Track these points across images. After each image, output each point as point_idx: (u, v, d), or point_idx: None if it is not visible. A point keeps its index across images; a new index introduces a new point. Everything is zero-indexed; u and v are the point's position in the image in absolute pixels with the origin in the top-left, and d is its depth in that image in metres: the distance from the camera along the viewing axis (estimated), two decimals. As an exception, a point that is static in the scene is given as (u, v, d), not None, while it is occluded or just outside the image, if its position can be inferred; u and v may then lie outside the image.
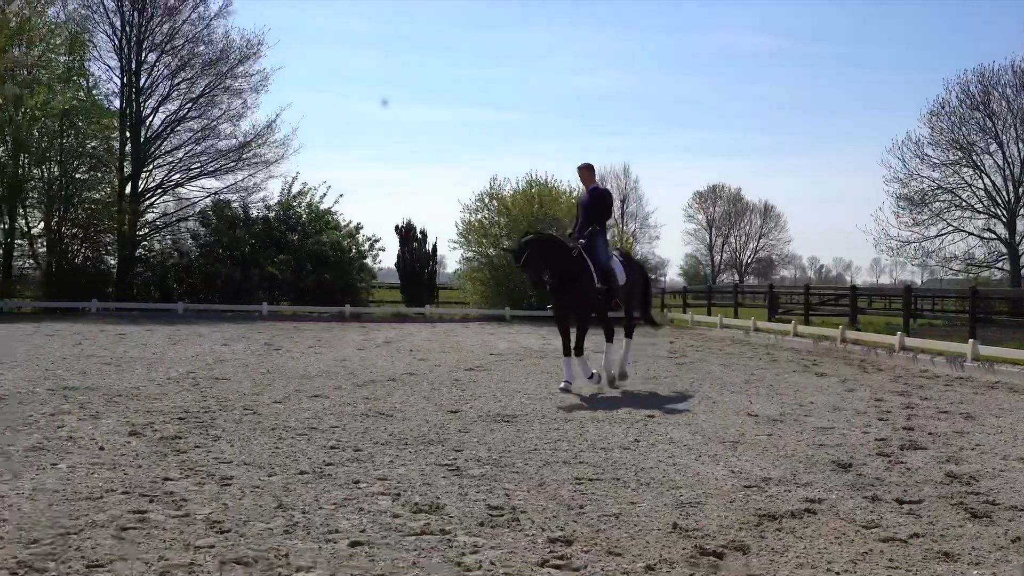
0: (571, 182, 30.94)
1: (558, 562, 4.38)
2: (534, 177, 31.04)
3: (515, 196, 30.71)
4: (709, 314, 30.48)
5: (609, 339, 11.81)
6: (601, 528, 4.99)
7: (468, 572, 4.22)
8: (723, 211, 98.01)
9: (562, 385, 11.04)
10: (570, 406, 9.77)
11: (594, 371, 11.37)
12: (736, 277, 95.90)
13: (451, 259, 68.16)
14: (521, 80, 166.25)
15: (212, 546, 4.50)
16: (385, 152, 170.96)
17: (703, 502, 5.61)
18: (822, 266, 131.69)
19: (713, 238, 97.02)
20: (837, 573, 4.32)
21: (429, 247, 33.20)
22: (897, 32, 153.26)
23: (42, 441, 7.08)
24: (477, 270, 30.79)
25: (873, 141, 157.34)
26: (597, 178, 11.98)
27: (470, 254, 31.42)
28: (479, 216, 31.13)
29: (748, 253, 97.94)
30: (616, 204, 78.23)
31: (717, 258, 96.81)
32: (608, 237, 12.59)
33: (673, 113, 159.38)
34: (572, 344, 11.17)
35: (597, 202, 11.56)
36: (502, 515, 5.20)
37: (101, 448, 6.88)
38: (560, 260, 10.92)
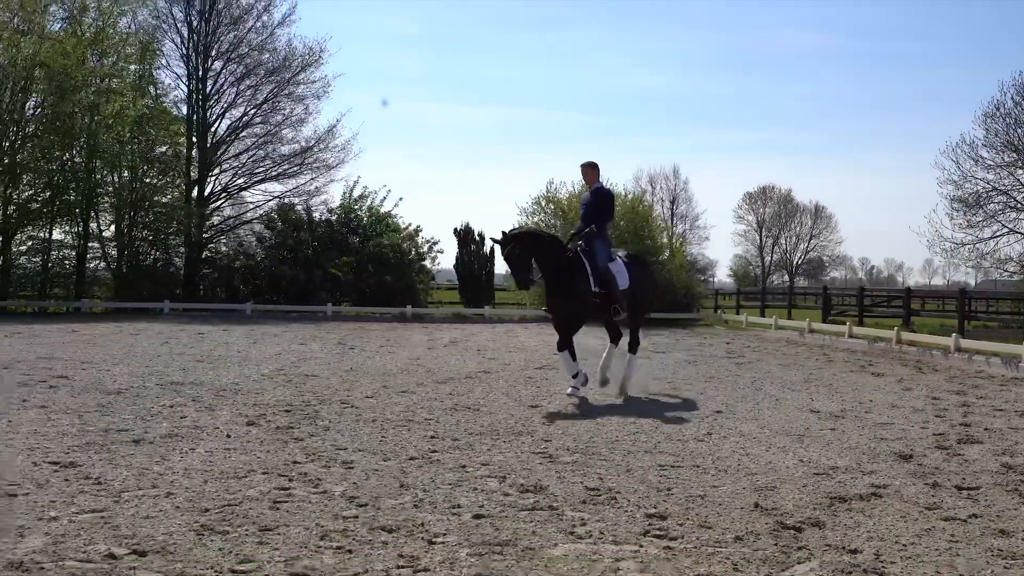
0: (625, 185, 31.54)
1: (658, 532, 5.03)
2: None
3: (571, 199, 31.32)
4: (762, 315, 30.91)
5: (614, 340, 11.54)
6: (690, 506, 5.62)
7: (581, 540, 4.88)
8: (773, 212, 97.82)
9: (568, 391, 10.59)
10: (641, 403, 10.40)
11: (580, 370, 10.79)
12: (786, 278, 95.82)
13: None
14: (569, 80, 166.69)
15: (356, 516, 5.21)
16: (433, 152, 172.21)
17: (778, 487, 6.22)
18: (873, 267, 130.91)
19: (763, 239, 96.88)
20: (904, 545, 4.92)
21: (487, 249, 33.91)
22: (949, 30, 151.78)
23: (172, 430, 7.85)
24: (534, 272, 31.43)
25: (926, 140, 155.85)
26: (601, 178, 11.67)
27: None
28: (535, 219, 31.79)
29: (798, 254, 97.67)
30: (666, 206, 78.74)
31: (767, 259, 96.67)
32: (613, 237, 12.56)
33: (722, 113, 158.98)
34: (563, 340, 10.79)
35: (597, 202, 11.22)
36: (600, 495, 5.86)
37: (228, 436, 7.64)
38: (552, 259, 10.66)
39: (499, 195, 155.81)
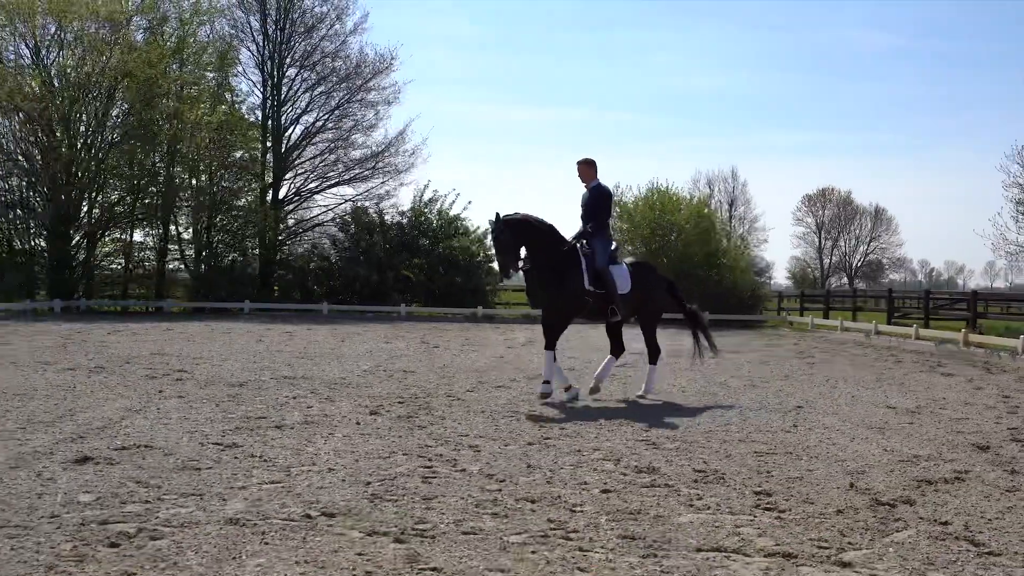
0: (690, 190, 32.12)
1: (767, 506, 5.71)
2: (655, 185, 32.31)
3: (636, 203, 32.00)
4: (826, 317, 31.26)
5: (614, 352, 11.33)
6: (791, 486, 6.29)
7: (700, 511, 5.57)
8: (832, 214, 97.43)
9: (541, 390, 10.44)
10: (725, 398, 11.04)
11: (551, 380, 10.53)
12: (844, 281, 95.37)
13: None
14: (624, 80, 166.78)
15: (500, 490, 5.96)
16: (487, 153, 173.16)
17: (867, 471, 6.85)
18: (932, 269, 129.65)
19: (822, 241, 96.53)
20: (990, 519, 5.54)
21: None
22: (1014, 30, 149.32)
23: (305, 418, 8.68)
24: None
25: (990, 142, 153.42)
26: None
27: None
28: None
29: (858, 257, 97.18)
30: (724, 208, 78.72)
31: (826, 261, 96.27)
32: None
33: (780, 114, 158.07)
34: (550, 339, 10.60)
35: (595, 201, 10.78)
36: (708, 476, 6.54)
37: (357, 423, 8.44)
38: (544, 250, 10.42)
39: (556, 197, 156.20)
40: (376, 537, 4.82)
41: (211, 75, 34.63)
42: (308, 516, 5.17)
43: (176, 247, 34.58)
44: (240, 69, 35.62)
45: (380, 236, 32.44)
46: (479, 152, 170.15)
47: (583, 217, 10.85)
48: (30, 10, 29.82)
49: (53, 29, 30.87)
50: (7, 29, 30.91)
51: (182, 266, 35.09)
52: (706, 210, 31.86)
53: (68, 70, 30.98)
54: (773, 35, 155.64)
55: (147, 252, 34.32)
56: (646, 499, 5.80)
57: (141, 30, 33.61)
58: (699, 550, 4.75)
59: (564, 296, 10.48)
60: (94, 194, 32.06)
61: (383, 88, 36.27)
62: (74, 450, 6.82)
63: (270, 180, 35.83)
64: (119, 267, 33.85)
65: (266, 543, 4.67)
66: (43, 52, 31.22)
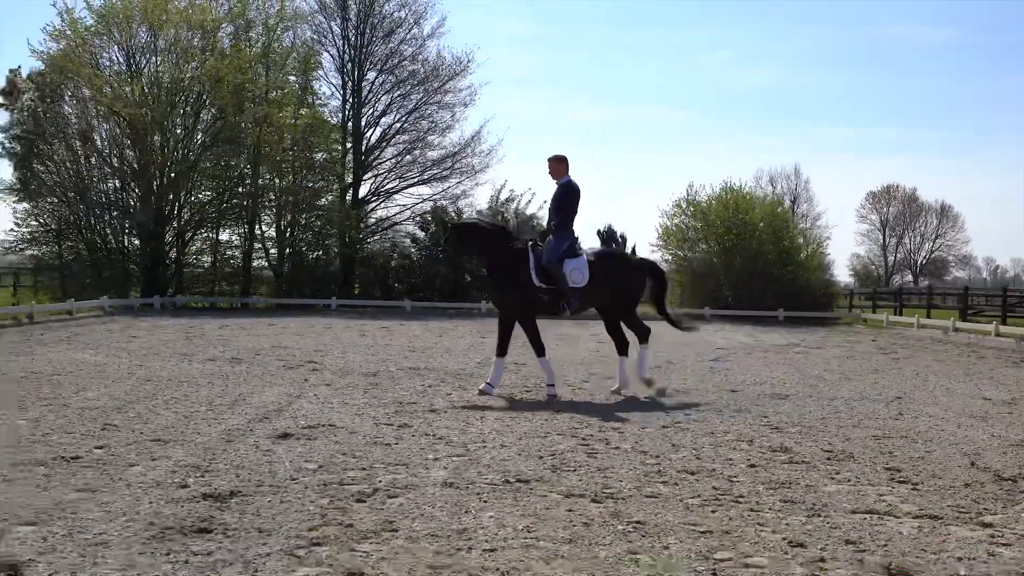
0: (752, 188, 32.73)
1: (901, 479, 6.43)
2: (729, 184, 32.91)
3: (711, 202, 32.63)
4: (898, 314, 31.61)
5: (622, 351, 11.28)
6: (916, 464, 7.00)
7: (842, 483, 6.31)
8: (897, 211, 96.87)
9: (482, 387, 10.46)
10: (826, 390, 11.73)
11: (493, 382, 10.49)
12: (908, 278, 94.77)
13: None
14: (681, 78, 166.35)
15: (657, 463, 6.76)
16: (543, 152, 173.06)
17: (981, 453, 7.52)
18: (997, 267, 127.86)
19: (886, 239, 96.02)
20: (1105, 492, 6.23)
21: (628, 249, 35.40)
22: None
23: (450, 403, 9.58)
24: (676, 272, 32.81)
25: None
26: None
27: (668, 257, 33.59)
28: (675, 221, 33.24)
29: (923, 254, 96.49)
30: (787, 205, 78.57)
31: (890, 259, 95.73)
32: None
33: (840, 111, 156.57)
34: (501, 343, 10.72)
35: (561, 197, 10.70)
36: (838, 455, 7.27)
37: (504, 407, 9.30)
38: (494, 252, 10.64)
39: (610, 194, 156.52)
40: (575, 498, 5.64)
41: (294, 79, 35.79)
42: (507, 482, 6.02)
43: (260, 245, 35.78)
44: (322, 73, 36.81)
45: (459, 235, 33.27)
46: (538, 151, 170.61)
47: (550, 213, 10.93)
48: (127, 18, 31.17)
49: (147, 37, 32.18)
50: (104, 37, 32.28)
51: (266, 264, 36.28)
52: (780, 209, 32.30)
53: (162, 76, 32.28)
54: (830, 31, 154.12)
55: (233, 250, 35.51)
56: (791, 473, 6.56)
57: (227, 36, 34.83)
58: (854, 512, 5.50)
59: (513, 293, 10.66)
60: (185, 195, 33.35)
61: (459, 90, 37.24)
62: (269, 428, 7.74)
63: (350, 180, 36.94)
64: (207, 265, 35.14)
65: (485, 501, 5.52)
66: (137, 59, 32.53)
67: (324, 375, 11.81)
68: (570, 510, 5.35)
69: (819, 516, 5.39)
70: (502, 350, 10.64)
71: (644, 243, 63.91)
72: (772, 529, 5.10)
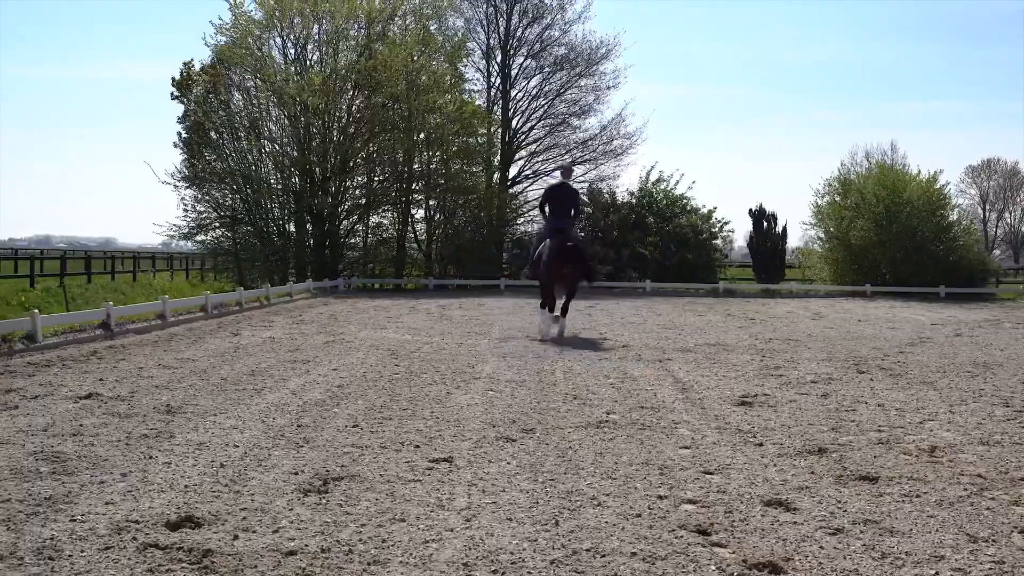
0: (920, 166, 33.12)
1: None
2: (883, 162, 33.26)
3: (862, 180, 33.10)
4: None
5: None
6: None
7: None
8: (997, 185, 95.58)
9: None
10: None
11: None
12: (1010, 253, 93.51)
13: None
14: (751, 54, 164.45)
15: (811, 427, 7.56)
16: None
17: None
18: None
19: (987, 213, 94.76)
20: None
21: (778, 229, 36.05)
22: None
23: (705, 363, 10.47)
24: (832, 250, 33.34)
25: None
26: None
27: (822, 235, 34.15)
28: (827, 199, 33.77)
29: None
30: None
31: (991, 233, 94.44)
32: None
33: (934, 84, 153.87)
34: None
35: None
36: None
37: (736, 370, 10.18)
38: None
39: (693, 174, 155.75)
40: None
41: (445, 65, 36.79)
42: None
43: (413, 229, 36.89)
44: (472, 59, 37.80)
45: (614, 215, 34.14)
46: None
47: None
48: (299, 12, 32.44)
49: (316, 28, 33.41)
50: (271, 30, 33.55)
51: (417, 246, 37.35)
52: (936, 186, 32.52)
53: (326, 65, 33.44)
54: (918, 3, 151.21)
55: (390, 232, 36.60)
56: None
57: (380, 24, 35.91)
58: None
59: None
60: (346, 180, 34.56)
61: (604, 74, 38.03)
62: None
63: (498, 162, 37.93)
64: (363, 248, 36.34)
65: None
66: (303, 49, 33.75)
67: (600, 352, 12.79)
68: None
69: None
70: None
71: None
72: None
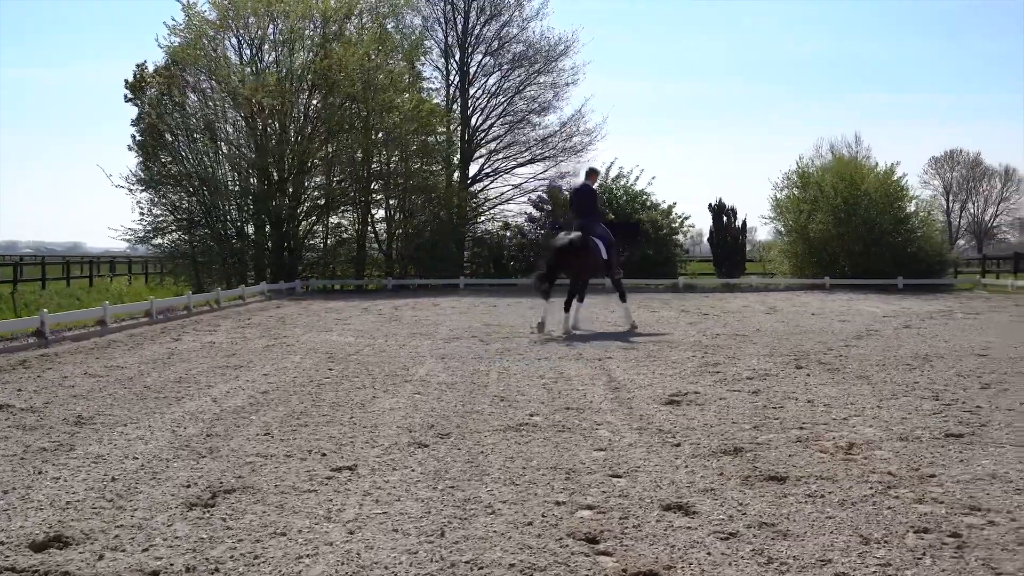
0: (883, 158, 33.11)
1: None
2: (842, 154, 33.38)
3: (821, 173, 33.16)
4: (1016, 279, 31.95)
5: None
6: None
7: None
8: (960, 176, 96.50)
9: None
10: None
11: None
12: (973, 243, 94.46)
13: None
14: (714, 48, 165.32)
15: (734, 425, 7.50)
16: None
17: None
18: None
19: (950, 204, 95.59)
20: None
21: (738, 224, 36.07)
22: None
23: (645, 361, 10.39)
24: (791, 243, 33.37)
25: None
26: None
27: (781, 228, 34.18)
28: (785, 193, 33.82)
29: (988, 218, 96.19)
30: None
31: (954, 224, 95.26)
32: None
33: (897, 77, 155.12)
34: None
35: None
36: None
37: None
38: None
39: (674, 169, 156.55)
40: None
41: (403, 64, 36.54)
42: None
43: (373, 229, 36.63)
44: (430, 57, 37.61)
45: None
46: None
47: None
48: (254, 11, 32.09)
49: (267, 27, 33.09)
50: (224, 30, 33.17)
51: (377, 247, 37.08)
52: (894, 178, 32.61)
53: (282, 65, 33.11)
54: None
55: (350, 233, 36.31)
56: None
57: (336, 23, 35.62)
58: None
59: None
60: (304, 181, 34.25)
61: (563, 70, 37.92)
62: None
63: (457, 161, 37.75)
64: (324, 248, 36.02)
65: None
66: (257, 49, 33.42)
67: (574, 347, 12.67)
68: None
69: None
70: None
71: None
72: None
